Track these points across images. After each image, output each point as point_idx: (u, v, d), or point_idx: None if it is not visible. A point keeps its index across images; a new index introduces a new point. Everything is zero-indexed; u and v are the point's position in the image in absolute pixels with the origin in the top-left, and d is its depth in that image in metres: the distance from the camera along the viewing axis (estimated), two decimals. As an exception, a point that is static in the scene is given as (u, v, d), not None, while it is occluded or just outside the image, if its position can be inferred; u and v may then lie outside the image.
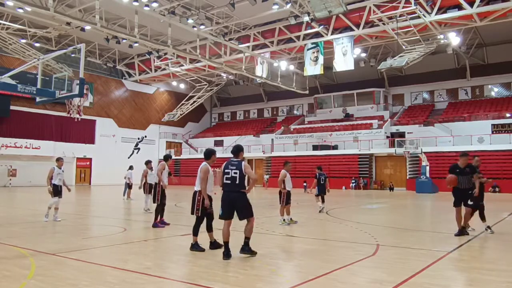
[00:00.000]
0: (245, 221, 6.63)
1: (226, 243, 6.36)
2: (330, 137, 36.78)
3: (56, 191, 10.60)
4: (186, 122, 48.46)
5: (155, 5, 24.00)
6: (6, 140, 33.00)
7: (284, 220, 10.38)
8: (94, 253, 6.89)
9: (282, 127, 42.17)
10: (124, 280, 5.12)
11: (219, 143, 44.33)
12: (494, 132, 30.84)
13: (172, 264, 6.27)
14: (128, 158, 40.53)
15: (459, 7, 23.20)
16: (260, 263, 6.18)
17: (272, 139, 40.18)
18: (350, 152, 34.53)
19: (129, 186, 19.82)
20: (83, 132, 38.29)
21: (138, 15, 24.88)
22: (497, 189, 26.18)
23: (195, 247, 6.87)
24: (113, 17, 28.28)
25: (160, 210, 9.89)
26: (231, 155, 6.99)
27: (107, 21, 28.21)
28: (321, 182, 13.55)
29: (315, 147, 36.48)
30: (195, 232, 6.92)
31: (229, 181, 6.49)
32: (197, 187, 6.85)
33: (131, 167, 20.42)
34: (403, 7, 22.52)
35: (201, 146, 44.87)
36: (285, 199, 10.33)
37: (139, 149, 43.36)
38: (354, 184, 33.11)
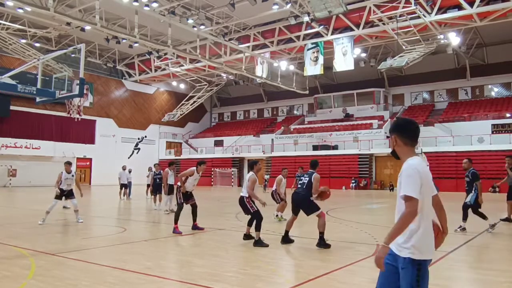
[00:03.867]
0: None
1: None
2: (330, 137, 36.78)
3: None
4: (186, 122, 48.45)
5: (155, 5, 23.99)
6: (6, 140, 32.98)
7: (277, 215, 11.37)
8: (94, 253, 6.89)
9: (282, 127, 42.17)
10: (124, 280, 5.12)
11: (219, 143, 44.33)
12: (494, 132, 30.82)
13: (172, 264, 6.27)
14: (128, 158, 40.53)
15: (459, 7, 23.18)
16: (260, 263, 6.18)
17: (272, 139, 40.15)
18: (350, 152, 34.53)
19: (125, 186, 19.86)
20: (83, 132, 38.27)
21: (138, 15, 24.86)
22: (497, 189, 26.11)
23: (260, 243, 7.49)
24: (113, 17, 28.27)
25: (179, 214, 9.12)
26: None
27: (107, 21, 28.20)
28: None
29: (315, 147, 36.48)
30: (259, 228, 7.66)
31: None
32: (243, 193, 7.90)
33: (124, 168, 20.59)
34: (403, 7, 22.50)
35: (201, 146, 44.89)
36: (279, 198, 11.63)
37: (139, 149, 43.36)
38: (354, 184, 33.10)
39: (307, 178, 7.51)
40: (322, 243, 7.27)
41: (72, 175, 10.59)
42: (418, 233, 2.54)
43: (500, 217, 11.00)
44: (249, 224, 8.03)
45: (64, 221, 10.65)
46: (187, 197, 9.15)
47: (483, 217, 9.33)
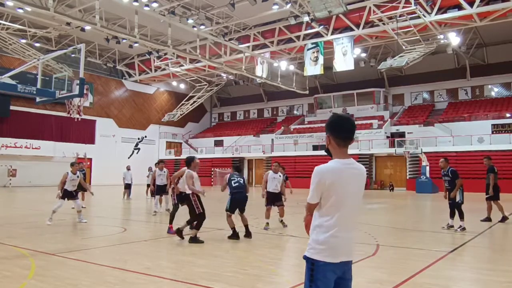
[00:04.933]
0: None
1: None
2: (330, 137, 36.72)
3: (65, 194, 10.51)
4: (186, 122, 48.43)
5: (155, 5, 23.98)
6: (6, 140, 32.95)
7: (267, 223, 9.69)
8: (94, 253, 6.90)
9: (282, 127, 42.16)
10: (124, 280, 5.12)
11: (219, 143, 44.32)
12: (494, 132, 30.82)
13: (172, 264, 6.27)
14: (128, 158, 40.52)
15: (459, 7, 23.17)
16: (260, 263, 6.18)
17: (272, 139, 40.15)
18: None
19: (129, 186, 19.84)
20: (83, 132, 38.25)
21: (138, 15, 24.85)
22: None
23: (195, 240, 7.69)
24: (113, 17, 28.26)
25: (174, 214, 9.13)
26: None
27: (107, 21, 28.19)
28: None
29: (315, 147, 36.47)
30: (198, 227, 7.83)
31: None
32: (188, 191, 7.89)
33: (128, 168, 20.54)
34: (403, 7, 22.49)
35: (201, 146, 44.88)
36: (267, 200, 9.95)
37: (139, 149, 43.34)
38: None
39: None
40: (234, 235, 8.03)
41: (77, 176, 10.68)
42: (319, 232, 2.52)
43: (498, 219, 11.09)
44: (190, 223, 7.99)
45: (64, 221, 10.64)
46: (182, 198, 8.87)
47: (462, 216, 9.49)
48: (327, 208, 2.53)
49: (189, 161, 8.01)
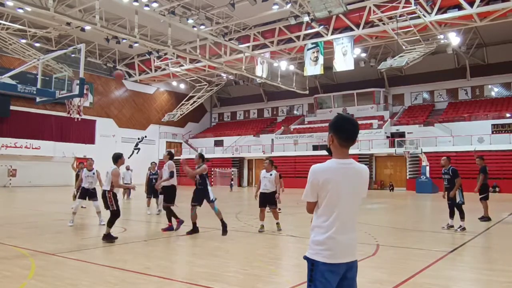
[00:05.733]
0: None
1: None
2: (330, 137, 36.72)
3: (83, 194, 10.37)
4: (186, 122, 48.44)
5: (155, 5, 23.99)
6: (6, 140, 32.96)
7: (261, 225, 9.30)
8: (94, 253, 6.90)
9: (282, 127, 42.16)
10: (124, 280, 5.12)
11: (219, 143, 44.33)
12: (494, 132, 30.82)
13: (172, 264, 6.27)
14: (128, 158, 40.46)
15: (459, 7, 23.18)
16: (260, 263, 6.18)
17: (272, 139, 40.16)
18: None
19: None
20: (83, 132, 38.26)
21: (138, 15, 24.86)
22: (497, 189, 26.13)
23: (109, 237, 7.73)
24: (113, 17, 28.26)
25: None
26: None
27: (107, 21, 28.19)
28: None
29: (315, 147, 36.47)
30: (111, 225, 7.84)
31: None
32: (105, 187, 7.98)
33: (127, 168, 20.47)
34: (403, 7, 22.50)
35: (201, 146, 44.84)
36: (259, 202, 9.35)
37: (139, 149, 43.34)
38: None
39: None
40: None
41: (93, 173, 10.38)
42: (317, 233, 2.52)
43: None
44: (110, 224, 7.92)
45: (64, 221, 10.63)
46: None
47: (463, 215, 9.49)
48: (323, 208, 2.53)
49: (117, 158, 7.98)
